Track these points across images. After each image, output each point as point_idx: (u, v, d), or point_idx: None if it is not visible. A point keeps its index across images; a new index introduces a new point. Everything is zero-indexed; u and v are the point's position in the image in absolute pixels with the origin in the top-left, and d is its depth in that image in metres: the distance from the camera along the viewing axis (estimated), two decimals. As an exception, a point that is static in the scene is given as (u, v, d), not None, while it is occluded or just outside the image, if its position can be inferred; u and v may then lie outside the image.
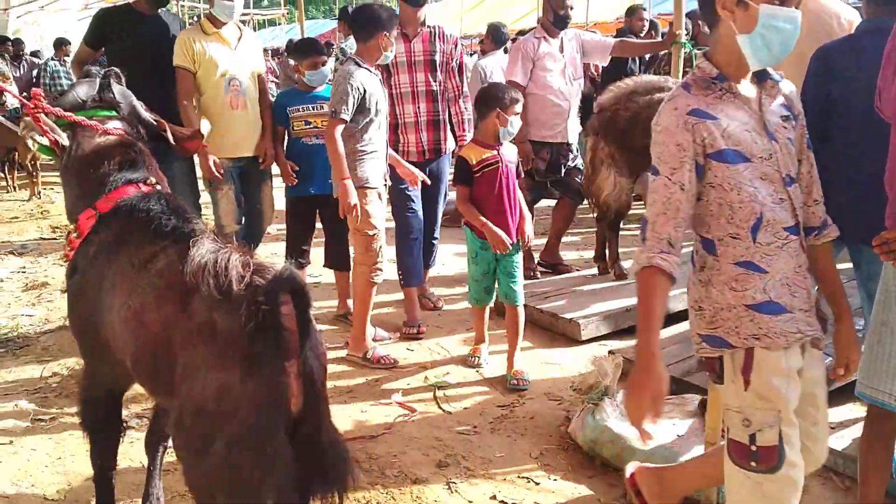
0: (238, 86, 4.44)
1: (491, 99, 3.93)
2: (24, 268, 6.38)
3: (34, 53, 14.32)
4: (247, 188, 4.68)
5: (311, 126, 4.64)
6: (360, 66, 4.05)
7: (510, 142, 4.04)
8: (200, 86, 4.41)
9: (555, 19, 5.36)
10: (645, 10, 7.19)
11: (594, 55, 5.65)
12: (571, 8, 5.66)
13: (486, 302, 4.17)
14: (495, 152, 3.91)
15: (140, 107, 2.85)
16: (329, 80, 4.66)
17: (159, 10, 4.61)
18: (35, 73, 12.36)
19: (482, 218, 3.85)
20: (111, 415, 2.63)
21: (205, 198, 4.79)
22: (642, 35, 7.01)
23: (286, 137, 4.75)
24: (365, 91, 4.00)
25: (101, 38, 4.55)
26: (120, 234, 2.33)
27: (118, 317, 2.17)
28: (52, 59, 12.04)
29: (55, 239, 7.30)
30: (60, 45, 12.16)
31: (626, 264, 5.34)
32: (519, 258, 4.06)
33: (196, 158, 4.58)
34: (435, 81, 4.71)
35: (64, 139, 2.53)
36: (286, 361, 1.84)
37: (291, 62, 12.28)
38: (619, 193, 5.04)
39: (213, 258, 1.95)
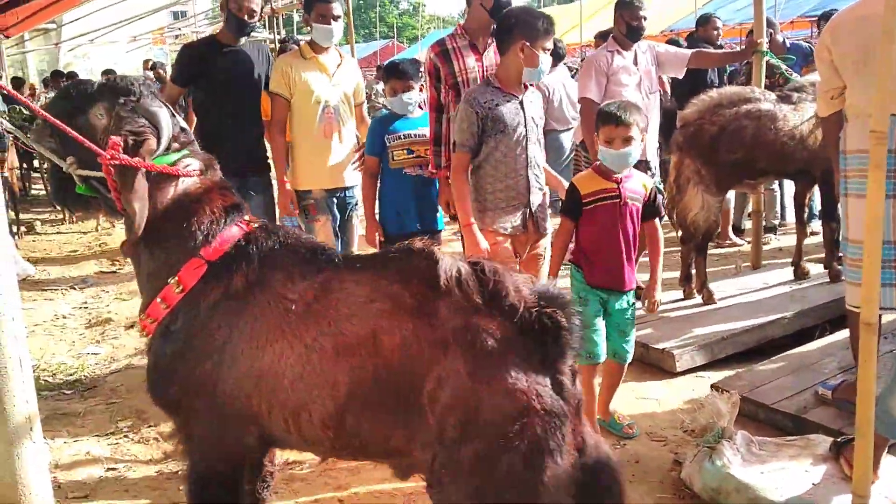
0: (332, 114, 4.26)
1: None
2: (85, 303, 6.27)
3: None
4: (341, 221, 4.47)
5: (414, 155, 4.10)
6: (489, 84, 3.52)
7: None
8: (294, 113, 4.25)
9: (628, 31, 5.12)
10: (719, 18, 6.83)
11: (670, 67, 5.38)
12: (645, 18, 5.42)
13: (598, 359, 3.39)
14: (615, 185, 3.27)
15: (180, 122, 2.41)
16: (409, 110, 4.14)
17: (243, 40, 4.45)
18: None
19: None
20: (235, 493, 2.25)
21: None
22: (717, 45, 6.70)
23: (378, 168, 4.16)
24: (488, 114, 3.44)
25: (187, 74, 4.41)
26: (251, 278, 2.09)
27: (275, 367, 1.98)
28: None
29: (115, 272, 7.21)
30: (107, 75, 12.21)
31: (714, 286, 5.05)
32: (633, 314, 3.49)
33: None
34: None
35: (142, 208, 2.11)
36: (566, 361, 1.91)
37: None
38: (707, 213, 4.75)
39: (470, 269, 1.91)
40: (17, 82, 14.31)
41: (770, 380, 3.78)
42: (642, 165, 5.18)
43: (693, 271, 5.13)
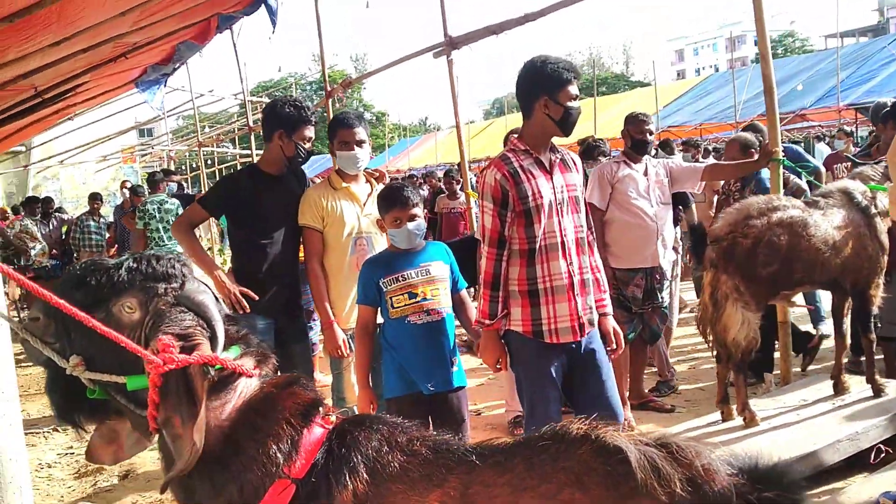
0: (365, 245, 4.00)
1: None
2: (71, 448, 5.80)
3: (58, 209, 14.20)
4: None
5: (419, 299, 3.45)
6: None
7: None
8: (327, 245, 3.99)
9: (633, 144, 5.25)
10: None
11: (684, 182, 5.33)
12: (651, 133, 5.42)
13: None
14: None
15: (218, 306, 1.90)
16: (417, 243, 3.55)
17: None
18: (64, 229, 12.19)
19: None
20: None
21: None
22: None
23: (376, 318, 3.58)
24: None
25: (222, 206, 4.11)
26: (360, 492, 1.65)
27: None
28: (86, 214, 11.84)
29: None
30: (94, 199, 12.02)
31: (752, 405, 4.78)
32: None
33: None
34: (581, 225, 3.44)
35: (200, 438, 1.64)
36: None
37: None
38: (748, 330, 4.52)
39: (661, 452, 1.51)
40: (-11, 208, 14.02)
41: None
42: (658, 272, 5.14)
43: (730, 392, 4.87)
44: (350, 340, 3.94)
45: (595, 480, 1.52)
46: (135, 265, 1.78)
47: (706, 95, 23.02)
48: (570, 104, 3.27)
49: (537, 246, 3.30)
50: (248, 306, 3.72)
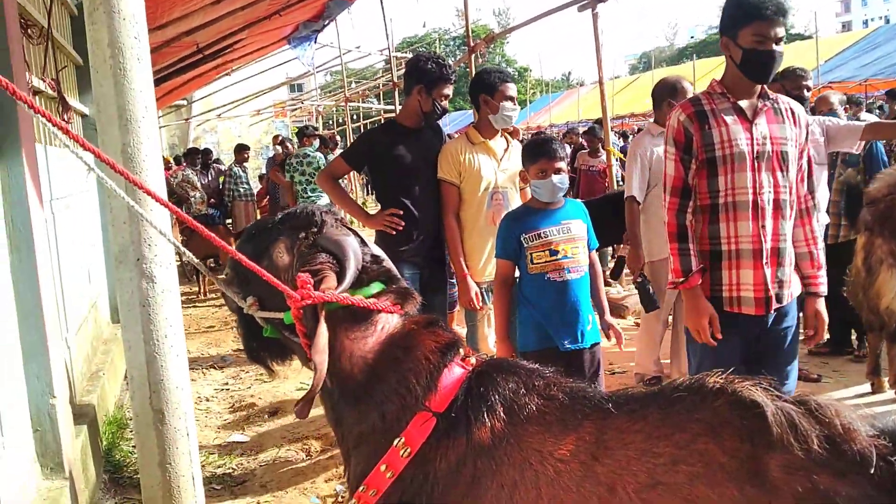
0: (501, 199, 4.05)
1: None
2: (226, 384, 6.23)
3: (216, 161, 15.04)
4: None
5: (559, 256, 3.44)
6: None
7: None
8: (464, 199, 4.06)
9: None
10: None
11: (842, 141, 5.01)
12: (808, 89, 5.14)
13: None
14: None
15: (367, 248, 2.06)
16: (559, 197, 3.53)
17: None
18: (220, 179, 12.91)
19: None
20: None
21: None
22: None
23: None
24: None
25: (362, 159, 4.28)
26: (497, 430, 1.71)
27: None
28: (234, 164, 12.54)
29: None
30: (241, 150, 12.64)
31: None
32: None
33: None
34: (785, 186, 2.98)
35: (322, 362, 1.76)
36: None
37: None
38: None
39: (800, 409, 1.50)
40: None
41: None
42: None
43: (881, 363, 4.62)
44: (484, 293, 4.01)
45: (730, 432, 1.51)
46: (283, 218, 2.04)
47: (873, 49, 21.26)
48: (752, 46, 2.83)
49: (721, 202, 2.93)
50: (401, 222, 3.98)
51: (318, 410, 2.08)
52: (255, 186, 14.11)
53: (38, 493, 3.02)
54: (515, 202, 4.06)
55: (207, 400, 5.83)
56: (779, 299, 2.95)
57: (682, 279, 2.93)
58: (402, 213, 4.02)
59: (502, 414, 1.72)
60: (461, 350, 1.90)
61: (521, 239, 3.45)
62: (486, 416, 1.72)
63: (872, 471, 1.42)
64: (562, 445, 1.64)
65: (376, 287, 1.95)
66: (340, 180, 4.42)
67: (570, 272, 3.44)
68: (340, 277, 1.87)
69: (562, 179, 3.46)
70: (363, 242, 2.01)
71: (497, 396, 1.74)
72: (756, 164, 2.89)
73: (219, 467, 4.49)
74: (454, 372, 1.82)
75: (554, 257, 3.43)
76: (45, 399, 3.16)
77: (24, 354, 3.10)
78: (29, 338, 3.12)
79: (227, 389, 6.08)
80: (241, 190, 12.20)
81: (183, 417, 2.54)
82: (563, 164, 3.49)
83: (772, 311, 2.95)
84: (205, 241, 1.85)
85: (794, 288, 3.01)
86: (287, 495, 4.06)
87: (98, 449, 4.07)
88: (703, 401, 1.57)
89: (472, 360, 1.88)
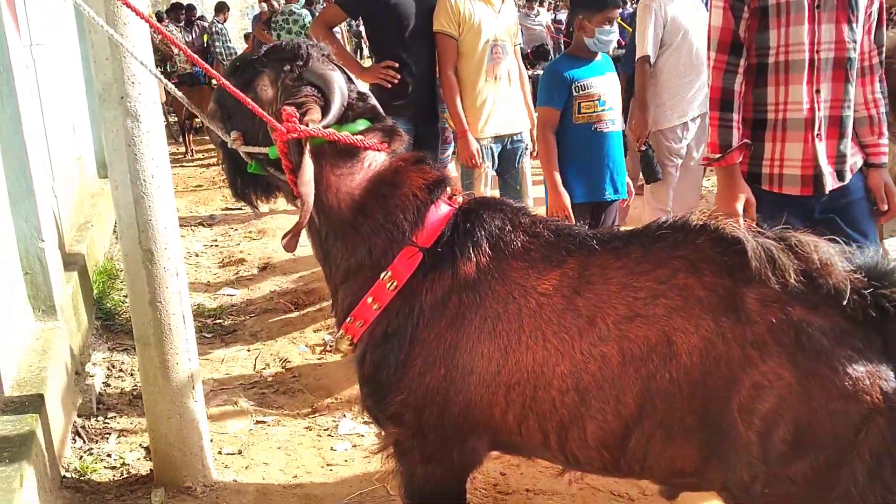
0: (500, 53, 3.94)
1: None
2: (215, 241, 6.28)
3: (200, 18, 14.57)
4: (505, 168, 4.14)
5: (607, 107, 3.49)
6: None
7: None
8: (462, 53, 3.93)
9: None
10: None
11: None
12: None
13: None
14: None
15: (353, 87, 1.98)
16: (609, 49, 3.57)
17: None
18: (205, 38, 12.56)
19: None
20: None
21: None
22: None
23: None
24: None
25: (358, 3, 4.09)
26: (482, 265, 1.74)
27: (536, 374, 1.66)
28: (216, 20, 12.26)
29: (241, 209, 7.19)
30: (221, 9, 12.37)
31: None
32: None
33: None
34: (852, 41, 2.46)
35: (308, 194, 1.74)
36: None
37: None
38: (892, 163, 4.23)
39: (779, 244, 1.55)
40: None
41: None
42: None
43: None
44: (483, 150, 3.97)
45: (710, 268, 1.58)
46: (268, 51, 1.96)
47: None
48: None
49: (771, 61, 2.48)
50: (396, 76, 3.88)
51: (308, 264, 2.11)
52: (241, 47, 13.73)
53: (31, 333, 3.09)
54: (510, 57, 3.98)
55: (197, 255, 5.89)
56: (840, 176, 2.53)
57: (718, 155, 2.51)
58: (397, 65, 3.91)
59: (488, 249, 1.75)
60: (448, 188, 1.90)
61: (573, 87, 3.46)
62: (471, 251, 1.75)
63: (845, 303, 1.48)
64: (545, 280, 1.69)
65: (362, 124, 1.91)
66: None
67: (614, 123, 3.54)
68: (325, 111, 1.83)
69: (614, 30, 3.49)
70: (349, 79, 1.96)
71: (483, 232, 1.77)
72: (816, 13, 2.41)
73: (209, 317, 4.59)
74: (441, 209, 1.84)
75: (602, 108, 3.50)
76: (34, 242, 3.18)
77: (11, 197, 3.09)
78: (16, 181, 3.11)
79: (217, 246, 6.14)
80: (222, 46, 11.98)
81: (172, 257, 2.56)
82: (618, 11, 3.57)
83: (825, 192, 2.51)
84: (192, 96, 1.81)
85: (857, 158, 2.60)
86: (276, 344, 4.17)
87: (89, 296, 4.13)
88: (686, 238, 1.62)
89: (459, 199, 1.90)
